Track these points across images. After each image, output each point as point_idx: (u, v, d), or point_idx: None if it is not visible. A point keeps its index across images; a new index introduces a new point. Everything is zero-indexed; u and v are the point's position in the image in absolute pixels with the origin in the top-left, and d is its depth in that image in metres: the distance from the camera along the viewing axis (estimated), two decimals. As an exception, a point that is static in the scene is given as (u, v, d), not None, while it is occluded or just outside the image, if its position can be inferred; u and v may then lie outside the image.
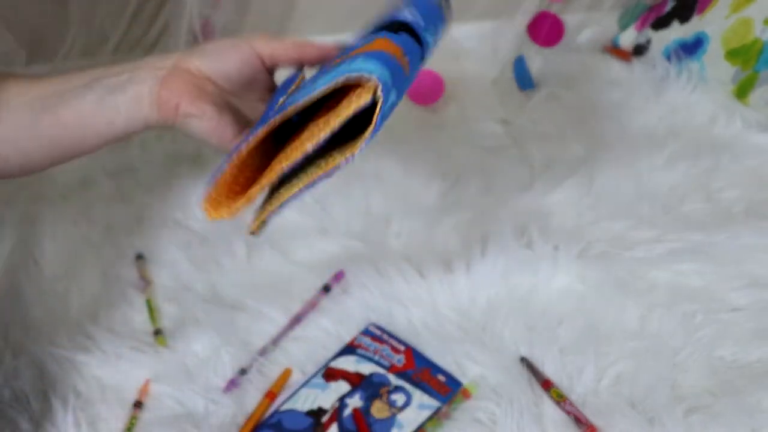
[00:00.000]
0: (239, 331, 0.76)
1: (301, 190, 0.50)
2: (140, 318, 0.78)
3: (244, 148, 0.49)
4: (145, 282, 0.81)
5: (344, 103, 0.47)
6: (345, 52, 0.54)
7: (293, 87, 0.53)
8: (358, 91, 0.46)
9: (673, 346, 0.74)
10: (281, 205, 0.51)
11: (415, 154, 1.02)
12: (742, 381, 0.71)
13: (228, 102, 0.54)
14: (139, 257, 0.84)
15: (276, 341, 0.75)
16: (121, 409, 0.69)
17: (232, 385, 0.71)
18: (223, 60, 0.54)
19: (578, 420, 0.67)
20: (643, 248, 0.84)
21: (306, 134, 0.48)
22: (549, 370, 0.72)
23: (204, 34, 1.06)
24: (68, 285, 0.81)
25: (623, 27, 1.23)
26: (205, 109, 0.51)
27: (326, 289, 0.80)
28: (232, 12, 1.10)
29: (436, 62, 1.12)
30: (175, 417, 0.69)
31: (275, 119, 0.48)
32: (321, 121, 0.47)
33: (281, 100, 0.52)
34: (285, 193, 0.50)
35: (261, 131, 0.48)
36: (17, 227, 0.85)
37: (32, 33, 0.99)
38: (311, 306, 0.79)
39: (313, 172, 0.49)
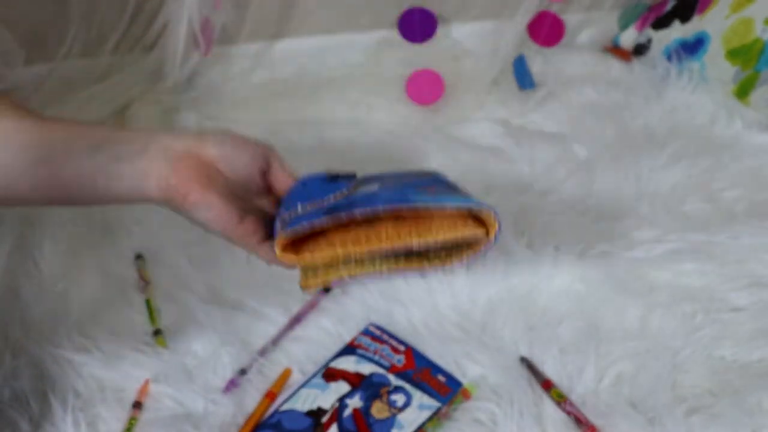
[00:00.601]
0: (239, 331, 0.76)
1: (377, 274, 0.56)
2: (140, 318, 0.78)
3: (326, 222, 0.53)
4: (145, 282, 0.81)
5: (462, 224, 0.55)
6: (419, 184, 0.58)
7: (354, 188, 0.57)
8: (472, 221, 0.55)
9: (674, 346, 0.74)
10: (349, 278, 0.56)
11: (415, 155, 1.02)
12: (743, 381, 0.71)
13: (232, 190, 0.55)
14: (139, 257, 0.84)
15: (276, 341, 0.75)
16: (120, 410, 0.69)
17: (231, 385, 0.71)
18: (238, 155, 0.55)
19: (578, 420, 0.67)
20: (644, 248, 0.84)
21: (407, 230, 0.54)
22: (549, 371, 0.72)
23: (203, 33, 1.06)
24: (68, 285, 0.80)
25: (623, 27, 1.23)
26: (213, 201, 0.53)
27: (326, 289, 0.80)
28: (232, 12, 1.10)
29: (436, 62, 1.13)
30: (175, 417, 0.69)
31: (377, 209, 0.53)
32: (432, 228, 0.54)
33: (343, 192, 0.56)
34: (359, 270, 0.56)
35: (359, 212, 0.53)
36: (17, 227, 0.85)
37: (32, 32, 0.99)
38: (311, 306, 0.79)
39: (405, 265, 0.56)
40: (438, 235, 0.54)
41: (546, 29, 1.11)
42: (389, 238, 0.53)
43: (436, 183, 0.60)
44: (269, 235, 0.56)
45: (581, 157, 1.01)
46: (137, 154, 0.52)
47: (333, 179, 0.59)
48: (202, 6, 1.03)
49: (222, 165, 0.54)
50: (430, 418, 0.68)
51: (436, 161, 1.01)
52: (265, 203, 0.57)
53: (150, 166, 0.52)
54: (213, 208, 0.53)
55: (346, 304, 0.79)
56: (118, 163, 0.52)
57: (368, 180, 0.60)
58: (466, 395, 0.70)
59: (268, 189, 0.59)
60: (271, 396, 0.69)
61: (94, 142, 0.52)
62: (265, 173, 0.57)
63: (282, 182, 0.58)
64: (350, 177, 0.60)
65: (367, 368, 0.72)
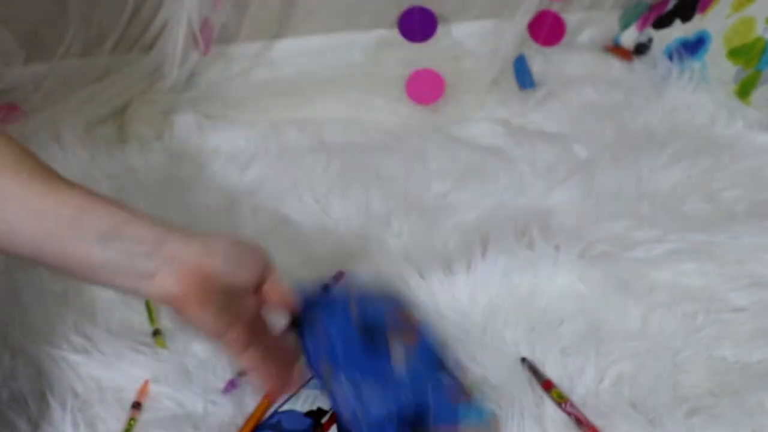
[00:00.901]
0: (238, 331, 0.75)
1: None
2: (139, 319, 0.78)
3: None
4: (144, 282, 0.81)
5: None
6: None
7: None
8: None
9: (674, 347, 0.74)
10: None
11: (415, 154, 1.02)
12: (744, 381, 0.70)
13: (227, 299, 0.55)
14: (138, 257, 0.84)
15: (275, 342, 0.75)
16: (119, 410, 0.68)
17: (231, 386, 0.71)
18: (241, 271, 0.55)
19: (579, 421, 0.67)
20: (644, 248, 0.84)
21: None
22: (550, 371, 0.71)
23: (203, 33, 1.06)
24: (66, 285, 0.80)
25: (624, 26, 1.23)
26: (207, 318, 0.53)
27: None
28: (231, 11, 1.10)
29: (436, 61, 1.13)
30: (174, 418, 0.68)
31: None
32: None
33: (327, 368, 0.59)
34: None
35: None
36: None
37: (31, 32, 0.99)
38: (311, 306, 0.78)
39: None
40: None
41: (546, 29, 1.11)
42: None
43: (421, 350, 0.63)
44: (253, 338, 0.57)
45: (581, 157, 1.01)
46: (146, 256, 0.51)
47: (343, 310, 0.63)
48: (202, 5, 1.03)
49: (224, 277, 0.54)
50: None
51: (436, 161, 1.01)
52: (250, 303, 0.57)
53: (157, 270, 0.52)
54: (205, 324, 0.54)
55: (345, 304, 0.78)
56: (123, 260, 0.51)
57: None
58: (466, 396, 0.70)
59: (257, 289, 0.59)
60: (270, 397, 0.69)
61: (104, 230, 0.50)
62: (260, 283, 0.58)
63: (274, 296, 0.59)
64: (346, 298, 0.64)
65: (367, 369, 0.72)
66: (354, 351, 0.61)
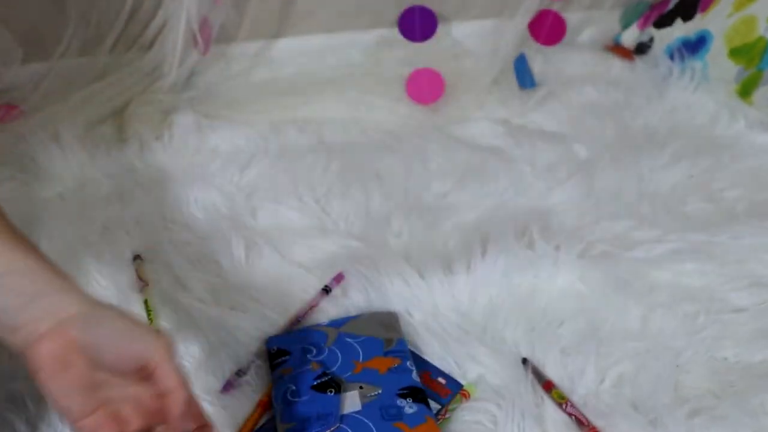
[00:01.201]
0: (237, 332, 0.75)
1: None
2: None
3: None
4: (143, 282, 0.81)
5: None
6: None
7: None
8: None
9: (675, 347, 0.73)
10: None
11: (415, 154, 1.01)
12: (745, 382, 0.70)
13: (97, 381, 0.48)
14: (137, 257, 0.84)
15: (275, 342, 0.75)
16: (118, 411, 0.68)
17: (229, 386, 0.70)
18: (122, 348, 0.49)
19: (580, 421, 0.66)
20: (645, 248, 0.84)
21: None
22: (550, 371, 0.71)
23: (202, 32, 1.06)
24: (65, 285, 0.80)
25: (625, 25, 1.23)
26: (65, 391, 0.46)
27: (326, 290, 0.80)
28: (231, 10, 1.10)
29: (436, 61, 1.12)
30: (173, 419, 0.68)
31: None
32: None
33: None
34: None
35: None
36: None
37: (30, 31, 0.99)
38: (311, 307, 0.78)
39: None
40: None
41: (547, 28, 1.10)
42: None
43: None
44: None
45: (582, 157, 1.00)
46: (17, 309, 0.48)
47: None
48: (201, 5, 1.03)
49: (98, 351, 0.48)
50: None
51: (437, 161, 1.01)
52: (127, 390, 0.49)
53: (23, 325, 0.47)
54: (61, 399, 0.46)
55: (345, 305, 0.78)
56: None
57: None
58: (466, 396, 0.69)
59: (147, 377, 0.50)
60: (263, 406, 0.69)
61: None
62: (149, 373, 0.50)
63: (163, 387, 0.50)
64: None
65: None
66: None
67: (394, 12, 1.13)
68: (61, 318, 0.48)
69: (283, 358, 0.69)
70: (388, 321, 0.74)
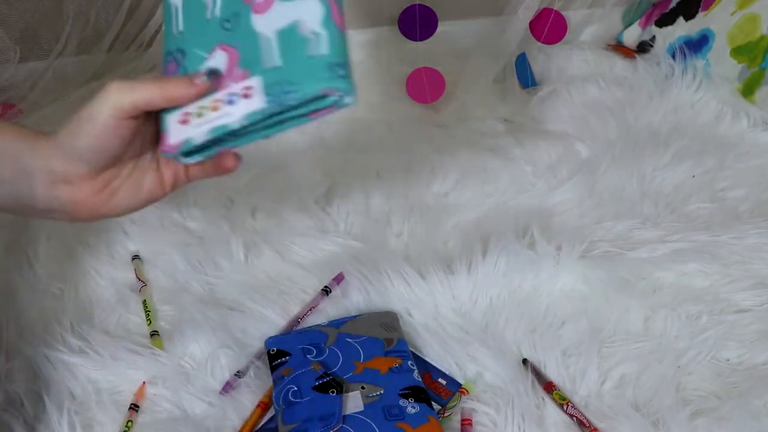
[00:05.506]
0: (236, 332, 0.75)
1: None
2: (136, 320, 0.78)
3: None
4: (142, 283, 0.80)
5: None
6: None
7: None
8: None
9: (678, 348, 0.73)
10: None
11: (416, 154, 1.01)
12: (748, 383, 0.70)
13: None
14: (136, 258, 0.83)
15: (274, 343, 0.74)
16: (116, 412, 0.68)
17: (228, 387, 0.70)
18: (85, 155, 0.56)
19: (581, 423, 0.66)
20: (647, 248, 0.83)
21: None
22: (551, 372, 0.71)
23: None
24: (63, 286, 0.80)
25: (627, 24, 1.22)
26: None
27: (326, 291, 0.79)
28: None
29: (436, 60, 1.12)
30: (172, 420, 0.68)
31: None
32: None
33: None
34: None
35: None
36: (11, 227, 0.84)
37: (27, 29, 0.98)
38: (310, 308, 0.78)
39: None
40: None
41: (548, 27, 1.09)
42: None
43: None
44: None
45: (583, 156, 1.00)
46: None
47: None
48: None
49: (87, 164, 0.56)
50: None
51: (437, 161, 1.00)
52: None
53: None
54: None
55: (345, 306, 0.78)
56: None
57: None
58: (464, 393, 0.69)
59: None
60: (263, 406, 0.69)
61: None
62: (132, 116, 0.55)
63: (153, 106, 0.55)
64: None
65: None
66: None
67: (394, 11, 1.12)
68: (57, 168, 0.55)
69: (284, 359, 0.69)
70: (389, 321, 0.74)
